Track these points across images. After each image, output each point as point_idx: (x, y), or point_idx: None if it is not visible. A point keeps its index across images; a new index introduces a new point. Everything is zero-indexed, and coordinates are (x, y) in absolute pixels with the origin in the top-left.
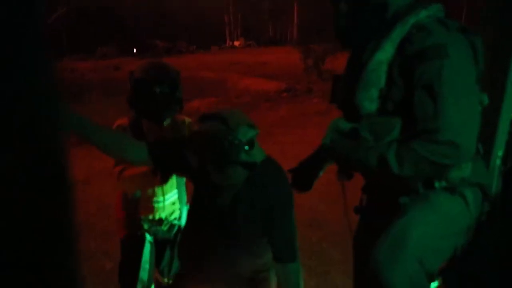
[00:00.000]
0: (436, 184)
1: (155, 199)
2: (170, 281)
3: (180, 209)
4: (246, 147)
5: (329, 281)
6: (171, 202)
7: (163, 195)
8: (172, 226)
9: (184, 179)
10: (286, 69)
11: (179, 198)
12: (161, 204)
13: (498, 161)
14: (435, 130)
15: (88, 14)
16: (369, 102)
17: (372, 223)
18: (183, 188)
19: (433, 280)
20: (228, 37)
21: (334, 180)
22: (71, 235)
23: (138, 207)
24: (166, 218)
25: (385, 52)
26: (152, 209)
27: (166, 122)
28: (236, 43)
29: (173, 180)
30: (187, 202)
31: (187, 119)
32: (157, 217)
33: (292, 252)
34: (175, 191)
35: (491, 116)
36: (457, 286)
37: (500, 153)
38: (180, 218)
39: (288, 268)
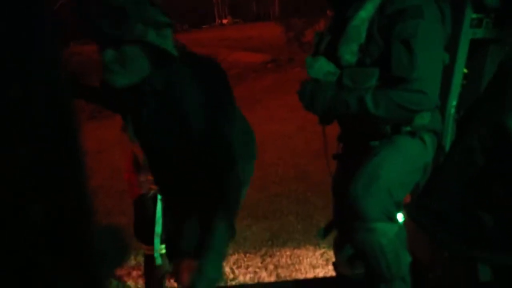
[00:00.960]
0: (402, 128)
1: None
2: None
3: None
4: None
5: (314, 224)
6: None
7: None
8: None
9: None
10: (270, 43)
11: None
12: None
13: (452, 110)
14: (409, 80)
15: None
16: (350, 55)
17: (347, 164)
18: None
19: (399, 208)
20: (217, 16)
21: (313, 138)
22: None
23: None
24: None
25: (367, 11)
26: None
27: None
28: (225, 21)
29: None
30: None
31: None
32: None
33: (228, 158)
34: None
35: (447, 71)
36: (419, 218)
37: (454, 103)
38: None
39: (225, 177)
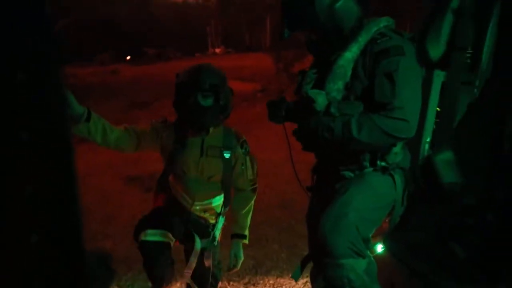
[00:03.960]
0: (378, 163)
1: (185, 197)
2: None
3: (216, 218)
4: None
5: (297, 253)
6: (200, 209)
7: (193, 200)
8: (206, 228)
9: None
10: (261, 73)
11: (221, 211)
12: (188, 206)
13: (426, 146)
14: (391, 108)
15: (87, 25)
16: (336, 92)
17: (321, 196)
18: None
19: (368, 243)
20: (210, 45)
21: (301, 168)
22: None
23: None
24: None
25: (352, 52)
26: (182, 205)
27: (216, 129)
28: (217, 50)
29: (210, 190)
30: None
31: (241, 135)
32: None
33: None
34: (209, 201)
35: (421, 108)
36: (396, 250)
37: (428, 139)
38: (214, 227)
39: None
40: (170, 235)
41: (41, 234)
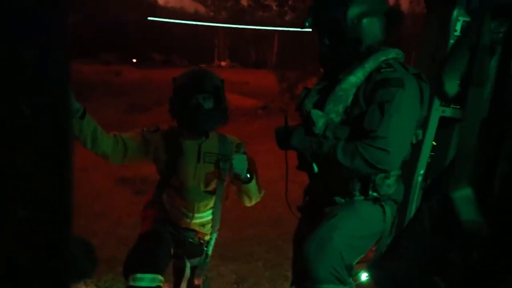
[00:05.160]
0: (370, 193)
1: (184, 211)
2: None
3: (210, 234)
4: None
5: (281, 273)
6: (200, 223)
7: (193, 212)
8: (200, 246)
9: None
10: (264, 90)
11: (213, 224)
12: (188, 220)
13: (420, 178)
14: (374, 136)
15: (97, 24)
16: (335, 114)
17: (309, 220)
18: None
19: (351, 271)
20: (216, 57)
21: (293, 188)
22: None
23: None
24: (194, 230)
25: (357, 78)
26: (180, 221)
27: (211, 136)
28: (223, 63)
29: (209, 200)
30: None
31: (236, 141)
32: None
33: None
34: (208, 213)
35: (418, 142)
36: (380, 280)
37: (421, 171)
38: (207, 244)
39: None
40: (160, 276)
41: (29, 210)
